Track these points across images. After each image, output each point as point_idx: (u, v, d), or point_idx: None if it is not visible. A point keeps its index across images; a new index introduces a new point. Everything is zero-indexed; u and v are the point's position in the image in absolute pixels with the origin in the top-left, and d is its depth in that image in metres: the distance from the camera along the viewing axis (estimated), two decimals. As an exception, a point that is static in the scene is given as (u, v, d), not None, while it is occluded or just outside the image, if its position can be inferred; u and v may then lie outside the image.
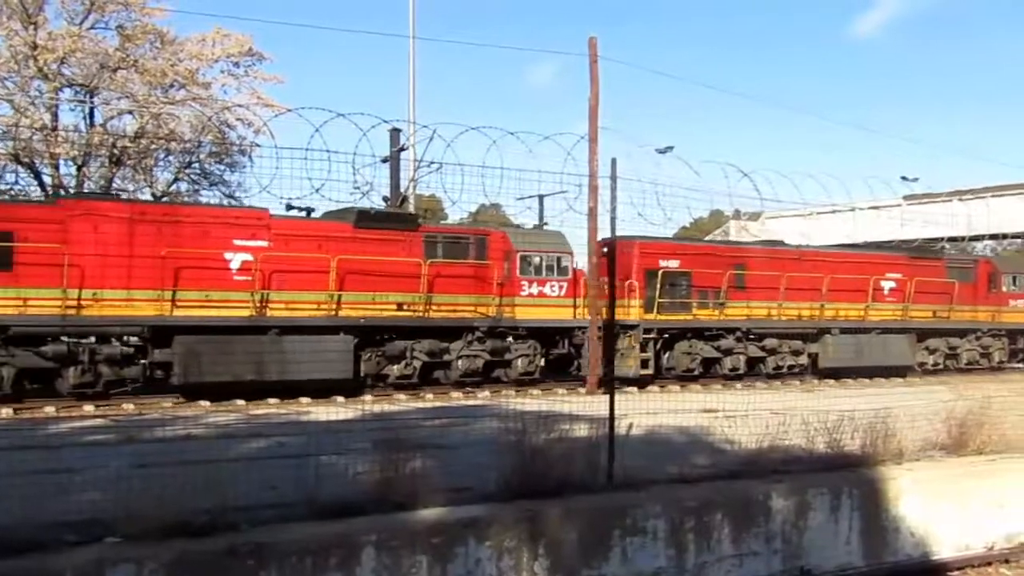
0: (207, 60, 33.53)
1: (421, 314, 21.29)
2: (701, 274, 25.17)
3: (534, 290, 22.76)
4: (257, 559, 6.55)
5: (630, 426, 10.08)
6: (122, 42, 30.95)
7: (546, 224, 25.27)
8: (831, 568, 9.22)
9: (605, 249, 22.77)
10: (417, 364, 21.49)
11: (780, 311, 26.22)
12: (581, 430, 9.55)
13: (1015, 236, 42.87)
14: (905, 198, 42.56)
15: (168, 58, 32.05)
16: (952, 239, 41.96)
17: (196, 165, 35.12)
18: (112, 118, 32.03)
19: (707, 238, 38.59)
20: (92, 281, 17.93)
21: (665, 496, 8.54)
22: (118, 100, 31.32)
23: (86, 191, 20.28)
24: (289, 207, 21.51)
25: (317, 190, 20.97)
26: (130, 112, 31.74)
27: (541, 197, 26.32)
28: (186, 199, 34.27)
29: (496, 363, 22.43)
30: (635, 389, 21.62)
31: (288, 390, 19.40)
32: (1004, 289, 31.41)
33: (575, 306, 23.16)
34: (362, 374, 20.72)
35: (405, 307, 21.22)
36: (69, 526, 6.70)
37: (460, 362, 21.96)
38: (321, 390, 19.51)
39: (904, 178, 41.51)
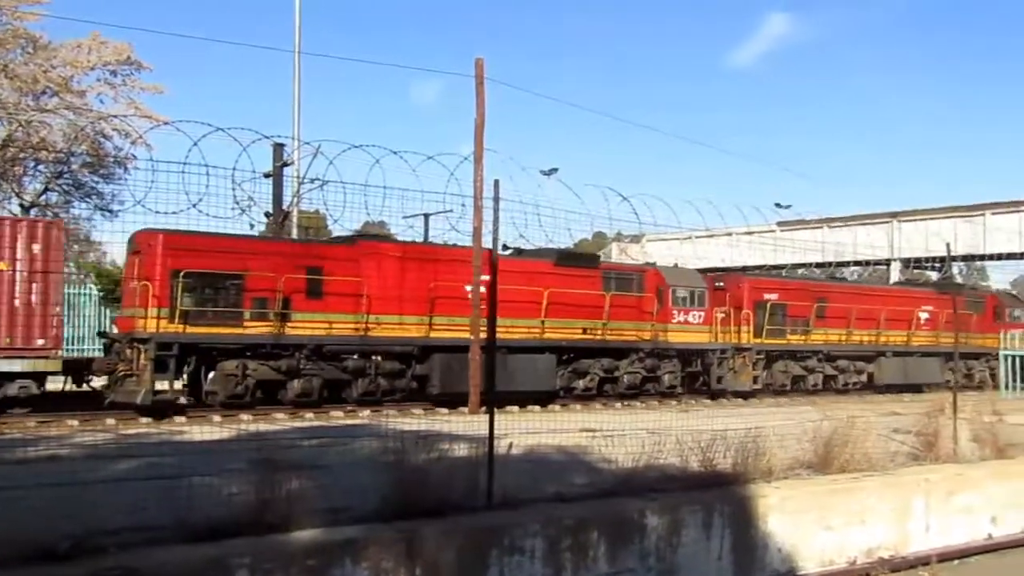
0: (83, 67, 32.48)
1: (600, 338, 25.55)
2: (794, 305, 30.43)
3: (681, 318, 27.51)
4: (125, 584, 6.34)
5: (510, 446, 10.16)
6: (-10, 46, 29.74)
7: (431, 242, 25.41)
8: (702, 584, 9.43)
9: (718, 284, 29.43)
10: (596, 379, 25.67)
11: (848, 337, 31.68)
12: (461, 450, 9.55)
13: (877, 263, 44.80)
14: (779, 224, 44.16)
15: (40, 64, 30.92)
16: (820, 265, 43.72)
17: (68, 175, 33.91)
18: (-22, 125, 30.74)
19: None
20: (376, 307, 21.84)
21: (543, 515, 8.60)
22: (-16, 106, 30.07)
23: (373, 233, 24.23)
24: (505, 247, 25.44)
25: (194, 205, 20.58)
26: (-2, 119, 30.50)
27: (426, 216, 26.42)
28: (57, 211, 33.10)
29: (648, 378, 26.82)
30: (517, 409, 21.87)
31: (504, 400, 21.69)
32: (1007, 320, 36.32)
33: (710, 331, 28.06)
34: (557, 387, 24.68)
35: (587, 332, 25.46)
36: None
37: (626, 377, 26.23)
38: (524, 400, 22.88)
39: (778, 205, 43.19)
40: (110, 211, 33.79)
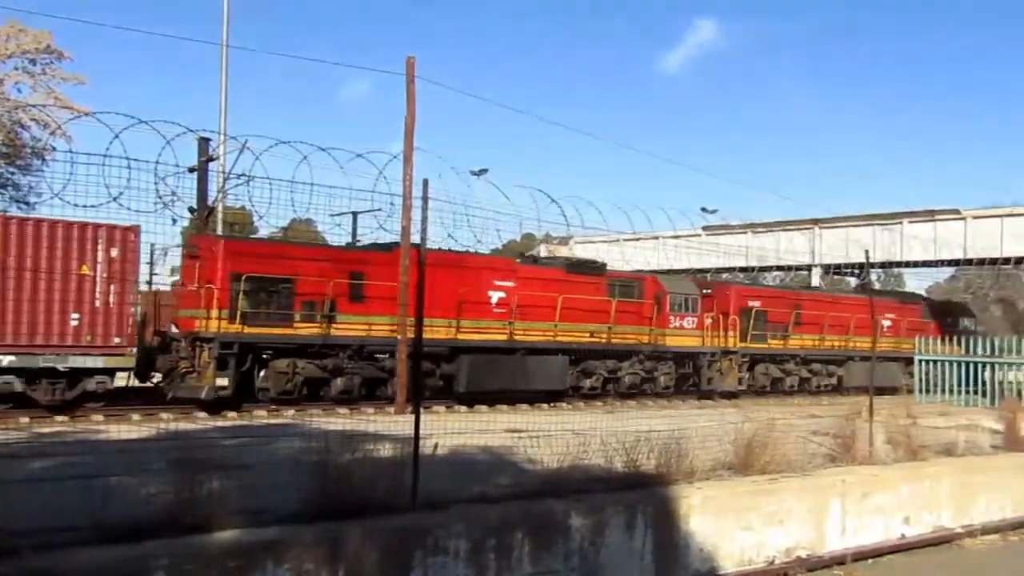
0: (0, 55, 31.54)
1: (605, 341, 27.25)
2: (774, 312, 32.59)
3: (677, 323, 29.45)
4: (38, 586, 6.19)
5: (436, 446, 10.13)
6: (-99, 31, 28.71)
7: (359, 241, 25.26)
8: (625, 584, 9.51)
9: (706, 291, 31.04)
10: (600, 379, 27.32)
11: (821, 342, 33.94)
12: (386, 450, 9.51)
13: (799, 268, 45.68)
14: (704, 229, 44.76)
15: (-45, 51, 29.96)
16: (743, 269, 44.44)
17: (-17, 166, 32.95)
18: None
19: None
20: (410, 311, 21.08)
21: (467, 516, 8.61)
22: None
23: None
24: (522, 255, 27.52)
25: (115, 198, 20.12)
26: (-92, 106, 29.48)
27: (355, 214, 26.22)
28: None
29: (645, 379, 28.58)
30: (443, 409, 21.84)
31: (520, 399, 24.36)
32: (959, 328, 38.56)
33: (702, 336, 30.02)
34: (567, 386, 26.33)
35: (594, 335, 27.10)
36: None
37: (627, 378, 27.97)
38: (538, 398, 24.92)
39: (704, 209, 43.69)
40: (27, 203, 32.91)
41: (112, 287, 19.36)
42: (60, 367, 18.96)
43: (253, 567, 7.12)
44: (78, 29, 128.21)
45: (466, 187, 40.90)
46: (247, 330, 20.72)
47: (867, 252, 25.01)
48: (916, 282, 60.76)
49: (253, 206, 23.77)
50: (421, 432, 9.21)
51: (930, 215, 42.94)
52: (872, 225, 44.08)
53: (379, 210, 25.01)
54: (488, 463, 11.81)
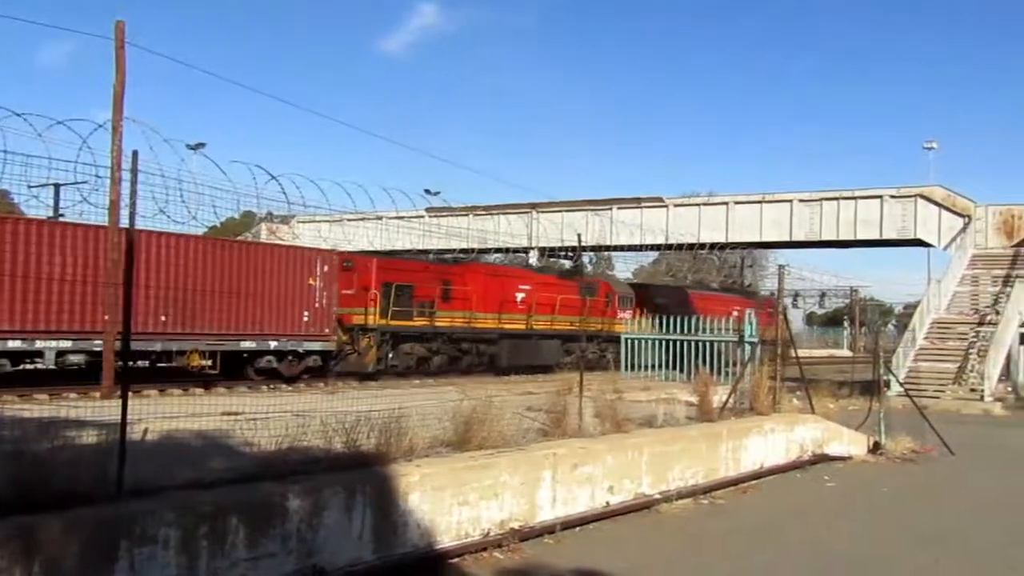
0: None
1: (580, 328, 36.20)
2: (672, 305, 40.88)
3: (621, 315, 39.24)
4: None
5: (145, 431, 9.69)
6: None
7: (63, 215, 23.65)
8: (342, 563, 9.47)
9: (627, 294, 42.17)
10: (576, 356, 33.39)
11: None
12: (91, 437, 8.97)
13: (517, 250, 47.37)
14: (427, 210, 45.40)
15: None
16: (465, 250, 45.51)
17: None
18: None
19: (239, 237, 38.53)
20: (475, 307, 32.82)
21: (178, 502, 8.27)
22: None
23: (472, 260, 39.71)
24: (531, 265, 40.49)
25: None
26: None
27: (57, 186, 24.48)
28: None
29: (601, 356, 35.66)
30: (156, 392, 20.87)
31: (534, 369, 32.69)
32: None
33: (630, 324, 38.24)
34: (559, 362, 34.89)
35: (572, 324, 36.83)
36: None
37: (590, 355, 35.16)
38: (540, 368, 32.57)
39: (427, 191, 44.32)
40: None
41: (324, 293, 27.57)
42: (298, 349, 27.25)
43: (-69, 569, 6.51)
44: None
45: (180, 161, 38.80)
46: (391, 323, 29.89)
47: (579, 236, 26.67)
48: (623, 265, 64.49)
49: (-66, 175, 21.52)
50: (131, 417, 8.77)
51: (637, 203, 45.85)
52: (585, 210, 46.48)
53: (84, 183, 23.50)
54: (203, 447, 11.38)
